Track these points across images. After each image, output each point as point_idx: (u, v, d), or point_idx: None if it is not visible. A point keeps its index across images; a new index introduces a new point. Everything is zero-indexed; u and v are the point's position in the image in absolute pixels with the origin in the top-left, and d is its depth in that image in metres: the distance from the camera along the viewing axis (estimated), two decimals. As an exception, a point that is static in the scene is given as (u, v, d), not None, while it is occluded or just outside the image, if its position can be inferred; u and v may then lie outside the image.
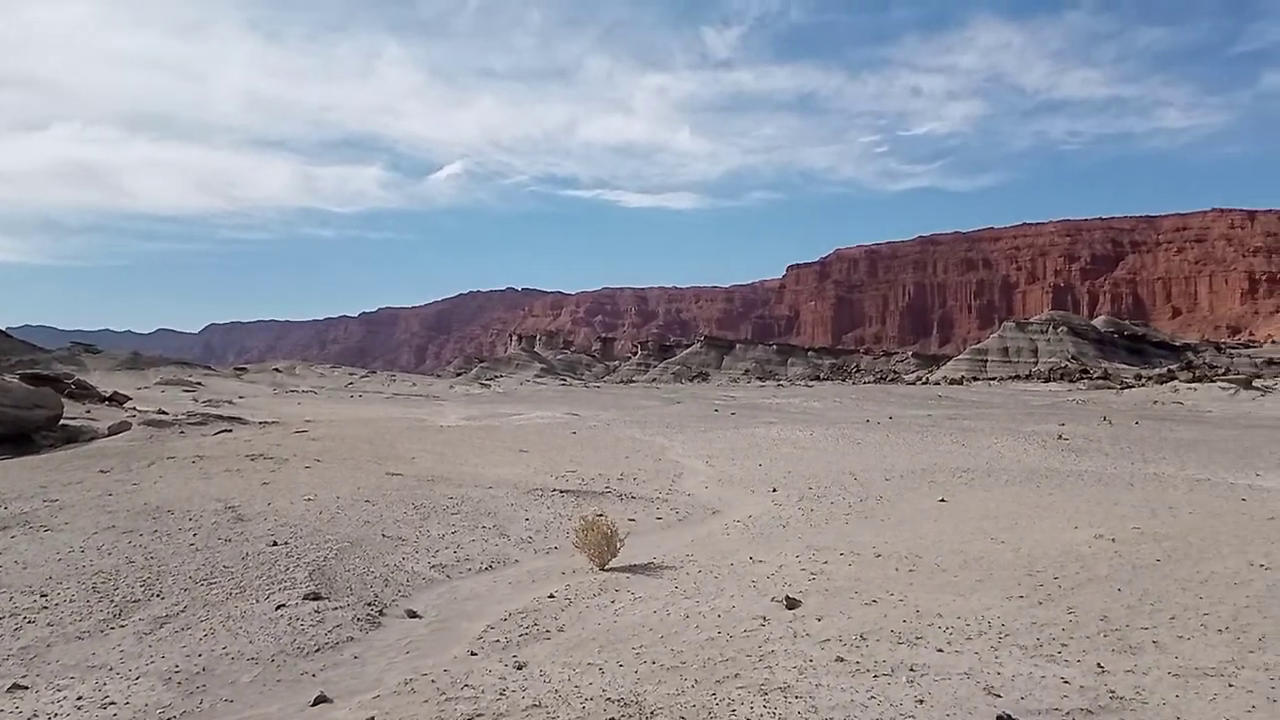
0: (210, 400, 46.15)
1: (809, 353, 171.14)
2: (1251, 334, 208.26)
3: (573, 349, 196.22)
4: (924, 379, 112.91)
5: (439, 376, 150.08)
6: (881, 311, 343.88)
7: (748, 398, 68.41)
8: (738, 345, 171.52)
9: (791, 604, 9.25)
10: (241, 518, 14.10)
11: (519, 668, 7.72)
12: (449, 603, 10.52)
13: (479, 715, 6.73)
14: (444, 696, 7.17)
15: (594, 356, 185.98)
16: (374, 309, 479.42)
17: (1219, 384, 68.49)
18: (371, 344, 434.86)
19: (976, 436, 28.57)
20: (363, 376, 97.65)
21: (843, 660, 7.31)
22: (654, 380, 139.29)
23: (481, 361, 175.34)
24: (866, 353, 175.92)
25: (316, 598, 10.32)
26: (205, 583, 10.77)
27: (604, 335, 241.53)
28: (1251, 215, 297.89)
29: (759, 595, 9.69)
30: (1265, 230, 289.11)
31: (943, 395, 70.63)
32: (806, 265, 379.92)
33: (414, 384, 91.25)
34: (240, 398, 50.80)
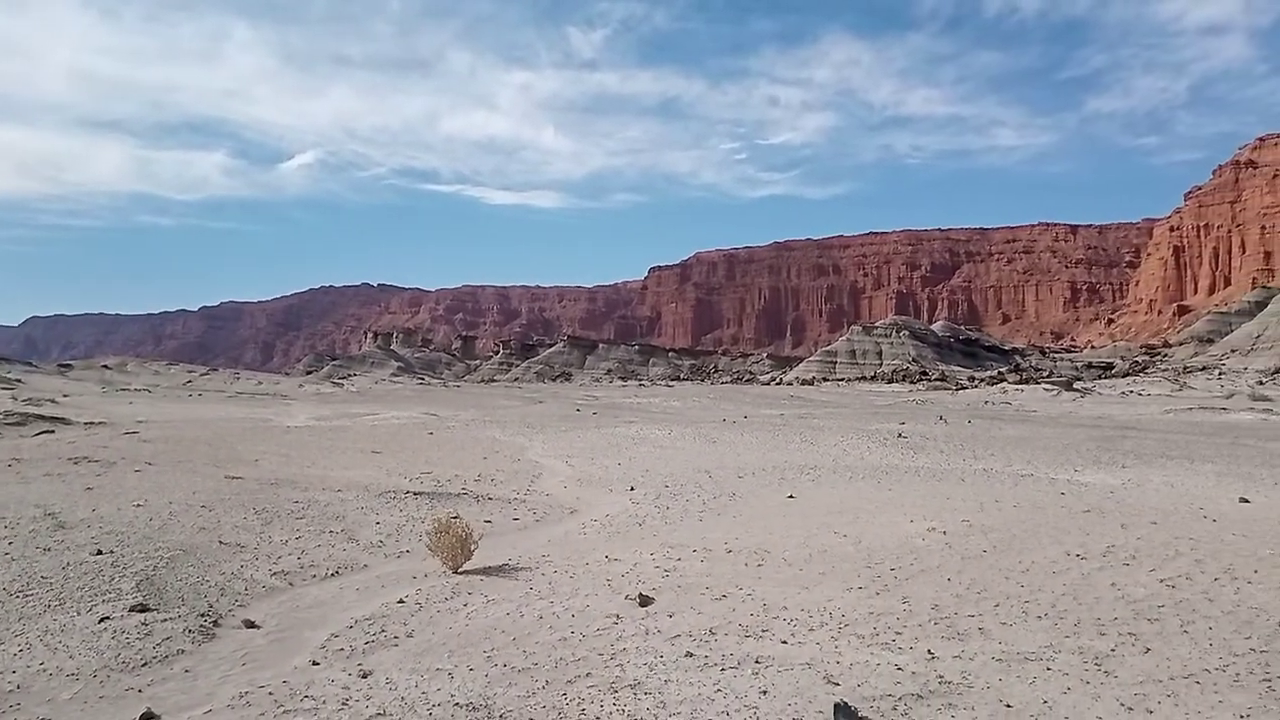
0: (31, 399, 42.53)
1: (670, 353, 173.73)
2: (1073, 340, 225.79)
3: (432, 347, 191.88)
4: (778, 380, 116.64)
5: (287, 375, 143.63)
6: (739, 314, 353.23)
7: (609, 397, 68.81)
8: (600, 345, 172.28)
9: (644, 601, 9.35)
10: (63, 525, 13.04)
11: (364, 676, 7.47)
12: (291, 611, 10.06)
13: (319, 727, 6.46)
14: (281, 709, 6.85)
15: (454, 355, 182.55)
16: (216, 303, 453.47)
17: (1043, 386, 73.89)
18: (213, 340, 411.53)
19: (824, 435, 29.73)
20: (203, 374, 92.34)
21: (692, 655, 7.44)
22: (516, 380, 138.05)
23: (334, 359, 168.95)
24: (725, 354, 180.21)
25: (144, 609, 9.66)
26: (21, 594, 9.90)
27: (465, 334, 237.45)
28: (1074, 229, 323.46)
29: (613, 594, 9.74)
30: (1086, 244, 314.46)
31: (795, 395, 73.21)
32: (668, 267, 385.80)
33: (259, 383, 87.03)
34: (64, 396, 47.07)
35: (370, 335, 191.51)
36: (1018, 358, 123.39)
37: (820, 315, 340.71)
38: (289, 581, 11.20)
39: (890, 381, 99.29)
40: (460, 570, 11.37)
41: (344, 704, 6.83)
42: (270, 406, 49.63)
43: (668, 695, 6.53)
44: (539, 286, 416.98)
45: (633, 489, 17.72)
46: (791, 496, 15.96)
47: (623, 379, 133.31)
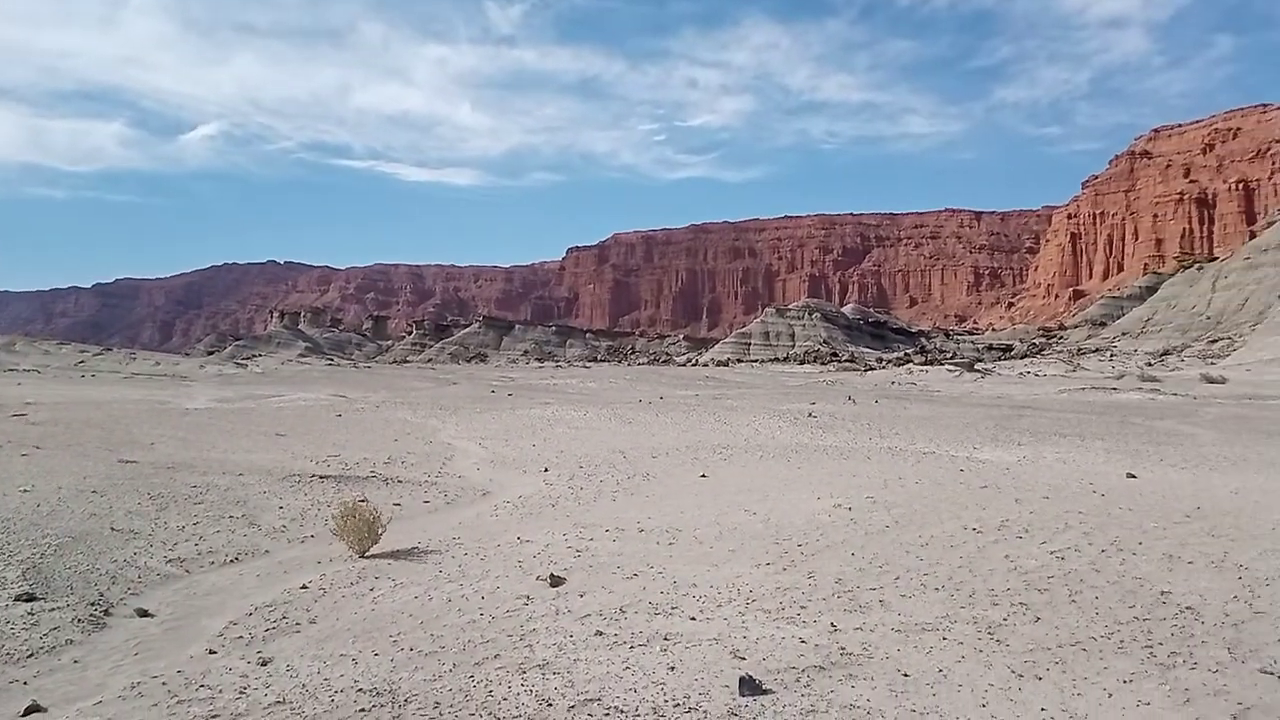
0: (-99, 380, 39.90)
1: (587, 335, 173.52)
2: (975, 322, 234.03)
3: (341, 327, 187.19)
4: (694, 361, 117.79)
5: (187, 355, 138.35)
6: (656, 295, 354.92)
7: (526, 379, 68.38)
8: (517, 326, 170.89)
9: (556, 582, 9.33)
10: (-66, 514, 12.28)
11: (263, 664, 7.26)
12: (187, 599, 9.72)
13: (215, 716, 6.26)
14: (175, 699, 6.61)
15: (365, 336, 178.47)
16: (111, 280, 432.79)
17: (947, 367, 76.39)
18: (108, 319, 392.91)
19: (738, 415, 30.15)
20: (96, 354, 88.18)
21: (602, 634, 7.46)
22: (430, 361, 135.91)
23: (237, 340, 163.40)
24: (642, 335, 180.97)
25: (30, 598, 9.19)
26: (-116, 590, 9.30)
27: (376, 313, 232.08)
28: (978, 216, 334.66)
29: (524, 575, 9.69)
30: (989, 230, 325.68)
31: (710, 376, 74.04)
32: (586, 248, 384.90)
33: (157, 363, 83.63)
34: (-59, 378, 44.30)
35: (276, 315, 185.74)
36: (923, 340, 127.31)
37: (736, 297, 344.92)
38: (185, 569, 10.81)
39: (803, 363, 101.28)
40: (367, 554, 11.15)
41: (241, 692, 6.64)
42: (168, 388, 47.73)
43: (576, 674, 6.53)
44: (454, 266, 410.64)
45: (547, 470, 17.66)
46: (704, 476, 16.14)
47: (539, 360, 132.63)
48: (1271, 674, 6.17)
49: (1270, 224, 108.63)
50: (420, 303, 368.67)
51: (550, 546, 11.01)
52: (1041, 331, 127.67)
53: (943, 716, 5.68)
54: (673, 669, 6.57)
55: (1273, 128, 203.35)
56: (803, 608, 7.95)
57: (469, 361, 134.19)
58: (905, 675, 6.36)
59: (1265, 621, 7.22)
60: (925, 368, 79.35)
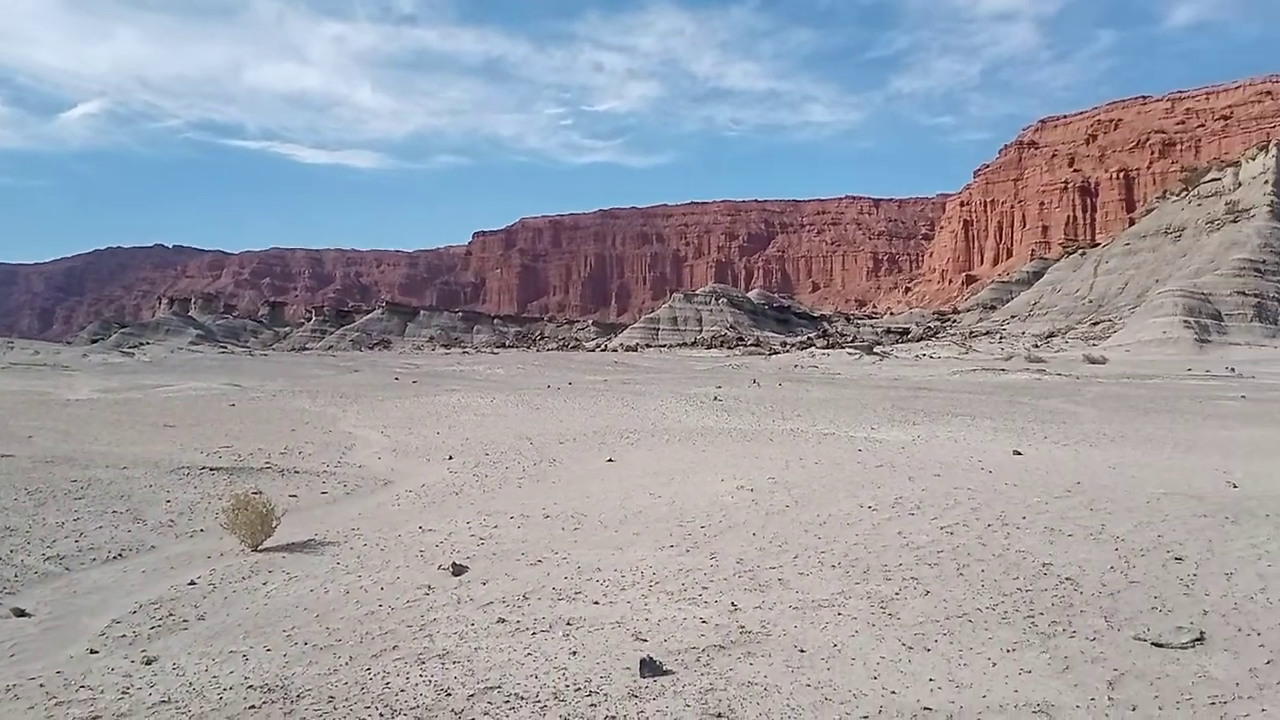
0: None
1: (495, 320, 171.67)
2: (875, 307, 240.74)
3: (235, 314, 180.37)
4: (603, 346, 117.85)
5: (69, 344, 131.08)
6: (565, 281, 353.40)
7: (431, 365, 67.21)
8: (422, 312, 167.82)
9: (458, 570, 9.21)
10: None
11: (148, 663, 6.95)
12: (67, 598, 9.23)
13: (96, 717, 5.97)
14: (54, 700, 6.27)
15: (260, 322, 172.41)
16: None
17: (847, 350, 78.46)
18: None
19: (645, 400, 30.31)
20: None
21: (504, 621, 7.40)
22: (330, 348, 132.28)
23: (123, 327, 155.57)
24: (551, 321, 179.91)
25: (-115, 606, 8.59)
26: None
27: (273, 299, 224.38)
28: (877, 203, 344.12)
29: (425, 564, 9.54)
30: (887, 217, 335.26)
31: (619, 361, 74.22)
32: (493, 233, 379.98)
33: (36, 352, 79.07)
34: None
35: (165, 301, 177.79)
36: (826, 324, 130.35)
37: (644, 283, 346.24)
38: (65, 566, 10.26)
39: (710, 347, 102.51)
40: (260, 548, 10.79)
41: (124, 693, 6.34)
42: (49, 378, 45.17)
43: (477, 663, 6.46)
44: (355, 250, 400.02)
45: (451, 458, 17.41)
46: (611, 460, 16.17)
47: (446, 346, 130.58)
48: (1145, 640, 6.54)
49: (1148, 212, 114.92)
50: (320, 288, 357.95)
51: (453, 535, 10.86)
52: (936, 315, 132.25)
53: (836, 690, 5.83)
54: (575, 653, 6.57)
55: (1151, 119, 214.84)
56: (704, 588, 8.05)
57: (371, 348, 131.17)
58: (802, 651, 6.51)
59: (1139, 591, 7.65)
60: (827, 351, 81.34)
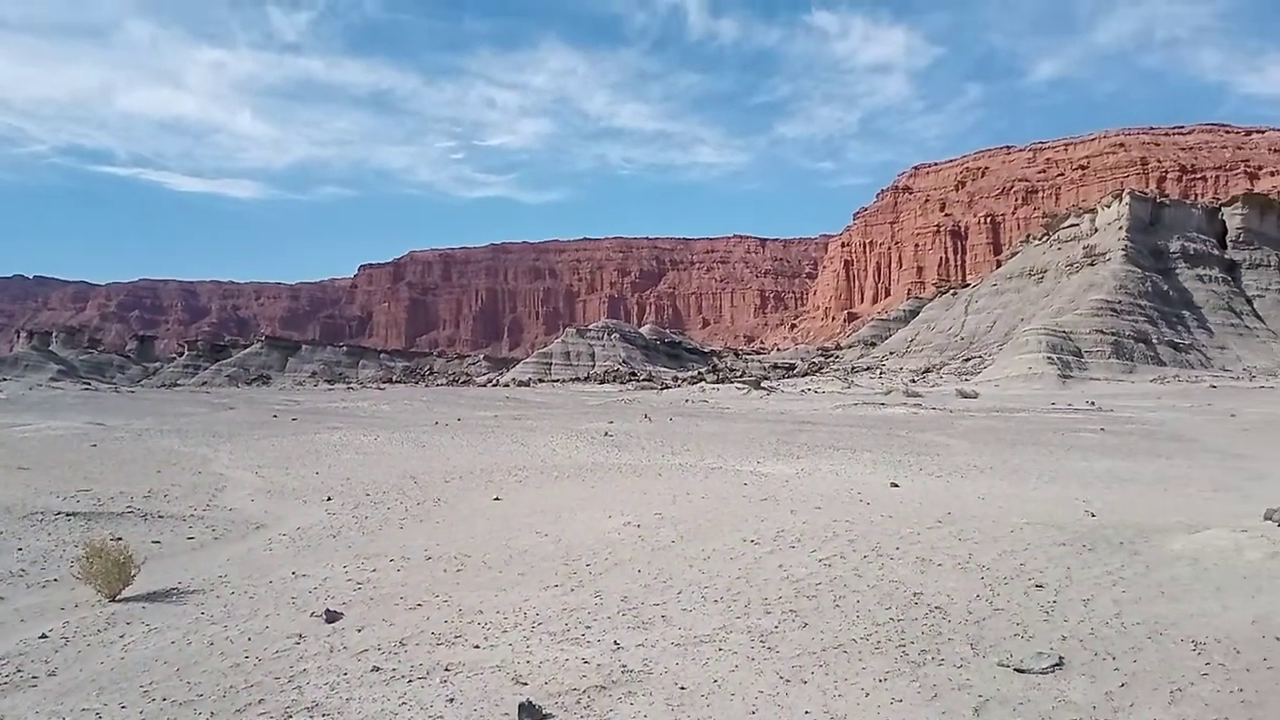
0: None
1: (381, 355, 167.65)
2: (762, 342, 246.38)
3: (101, 349, 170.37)
4: (494, 381, 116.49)
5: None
6: (455, 315, 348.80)
7: (313, 402, 64.92)
8: (304, 346, 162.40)
9: (332, 617, 8.85)
10: None
11: (-19, 731, 6.39)
12: (-110, 662, 8.40)
13: (-86, 799, 5.43)
14: None
15: (128, 357, 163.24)
16: None
17: (736, 385, 79.87)
18: None
19: (536, 436, 30.04)
20: None
21: (379, 669, 7.14)
22: (205, 384, 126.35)
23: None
24: (440, 355, 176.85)
25: None
26: None
27: (142, 333, 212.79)
28: (763, 243, 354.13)
29: (298, 612, 9.14)
30: (773, 256, 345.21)
31: (510, 397, 73.44)
32: (380, 265, 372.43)
33: None
34: None
35: (24, 335, 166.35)
36: (715, 359, 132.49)
37: (537, 317, 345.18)
38: (-111, 627, 9.36)
39: (603, 382, 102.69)
40: (119, 598, 10.11)
41: (-50, 767, 5.80)
42: (-118, 418, 41.48)
43: (348, 714, 6.21)
44: (233, 283, 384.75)
45: (329, 499, 16.79)
46: (498, 499, 15.92)
47: (329, 382, 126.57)
48: (1008, 667, 6.81)
49: (1013, 255, 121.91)
50: (194, 321, 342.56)
51: (329, 580, 10.45)
52: (820, 351, 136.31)
53: (716, 727, 5.85)
54: (452, 700, 6.39)
55: (1014, 168, 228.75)
56: (588, 628, 7.98)
57: (249, 384, 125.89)
58: (682, 688, 6.51)
59: (1003, 618, 7.98)
60: (717, 386, 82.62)
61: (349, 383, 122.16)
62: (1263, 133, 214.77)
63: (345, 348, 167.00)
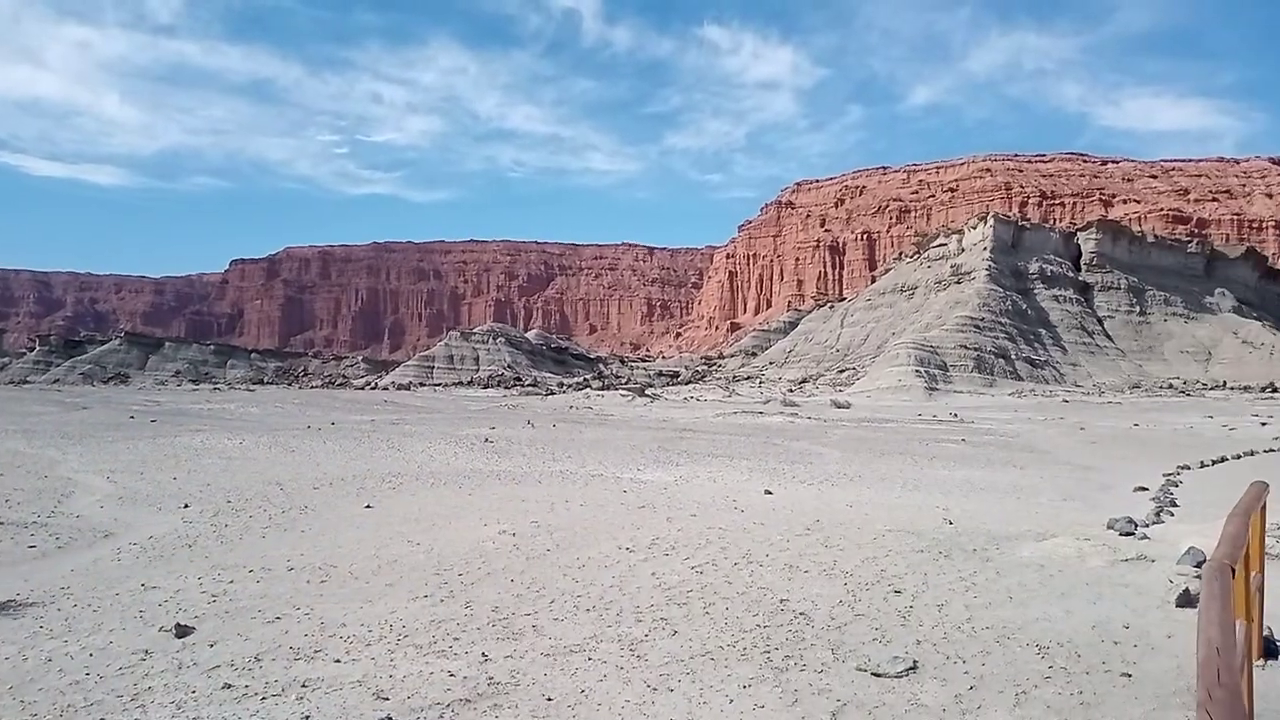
0: None
1: (252, 355, 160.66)
2: (648, 350, 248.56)
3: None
4: (373, 384, 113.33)
5: None
6: (334, 315, 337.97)
7: (176, 403, 61.63)
8: (168, 344, 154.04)
9: (182, 632, 8.39)
10: None
11: None
12: None
13: None
14: None
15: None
16: None
17: (620, 391, 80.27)
18: None
19: (414, 441, 29.38)
20: None
21: (230, 686, 6.81)
22: (57, 382, 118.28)
23: None
24: (316, 356, 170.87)
25: None
26: None
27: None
28: (651, 251, 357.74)
29: (145, 626, 8.62)
30: (660, 264, 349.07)
31: (389, 400, 71.59)
32: (253, 261, 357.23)
33: None
34: None
35: None
36: (602, 366, 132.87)
37: (420, 319, 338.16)
38: None
39: (487, 387, 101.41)
40: (-59, 614, 9.31)
41: None
42: None
43: (194, 736, 5.89)
44: (91, 275, 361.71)
45: (187, 506, 15.95)
46: (369, 506, 15.48)
47: (194, 382, 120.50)
48: (865, 671, 7.04)
49: (886, 271, 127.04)
50: (47, 315, 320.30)
51: (181, 592, 9.91)
52: (704, 360, 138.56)
53: (580, 738, 5.83)
54: (308, 718, 6.15)
55: (890, 187, 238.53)
56: (456, 639, 7.83)
57: (106, 383, 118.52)
58: (549, 699, 6.47)
59: (864, 623, 8.26)
60: (602, 392, 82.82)
61: (216, 383, 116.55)
62: (1117, 163, 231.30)
63: (213, 346, 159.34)
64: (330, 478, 19.40)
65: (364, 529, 13.15)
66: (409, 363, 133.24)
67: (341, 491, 17.35)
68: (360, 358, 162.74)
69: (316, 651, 7.54)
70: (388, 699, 6.45)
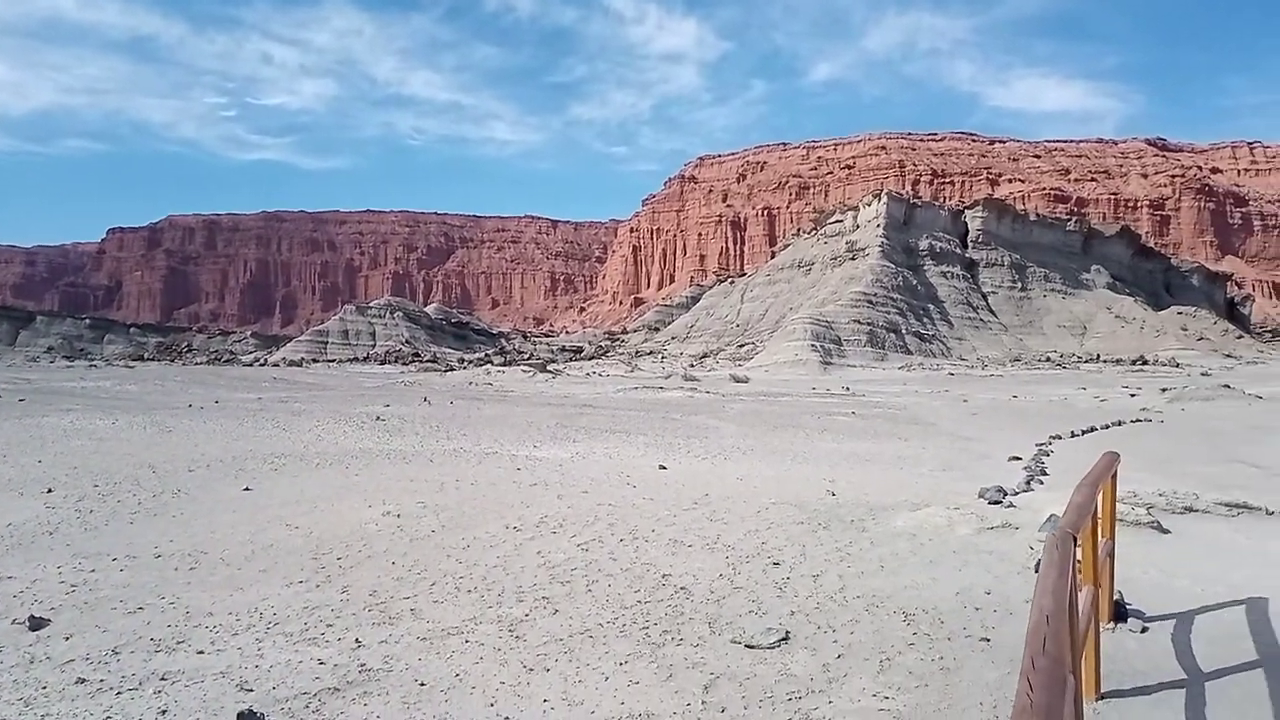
0: None
1: (132, 329, 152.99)
2: (551, 325, 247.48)
3: None
4: (263, 360, 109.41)
5: None
6: (220, 287, 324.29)
7: (47, 381, 58.13)
8: (40, 318, 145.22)
9: (37, 624, 7.93)
10: None
11: None
12: None
13: None
14: None
15: None
16: None
17: (522, 367, 79.67)
18: None
19: (302, 420, 28.49)
20: None
21: (84, 681, 6.48)
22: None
23: None
24: (201, 331, 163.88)
25: None
26: None
27: None
28: (555, 224, 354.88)
29: (-5, 620, 8.11)
30: (564, 238, 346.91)
31: (279, 377, 69.25)
32: (133, 230, 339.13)
33: None
34: None
35: None
36: (504, 341, 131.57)
37: (314, 293, 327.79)
38: None
39: (384, 363, 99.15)
40: None
41: None
42: None
43: (39, 736, 5.58)
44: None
45: (50, 491, 15.07)
46: (248, 489, 14.93)
47: (69, 358, 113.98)
48: (740, 643, 7.18)
49: (785, 247, 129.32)
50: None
51: (39, 582, 9.36)
52: (608, 335, 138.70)
53: (451, 722, 5.76)
54: (165, 712, 5.90)
55: (790, 163, 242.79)
56: (329, 626, 7.63)
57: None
58: (422, 685, 6.37)
59: (741, 596, 8.41)
60: (503, 368, 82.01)
61: (92, 360, 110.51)
62: (1004, 143, 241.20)
63: (89, 320, 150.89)
64: (208, 459, 18.63)
65: (240, 513, 12.68)
66: (301, 338, 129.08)
67: (219, 474, 16.68)
68: (249, 332, 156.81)
69: (179, 642, 7.24)
70: (251, 690, 6.24)
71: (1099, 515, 7.76)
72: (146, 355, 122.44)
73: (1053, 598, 3.87)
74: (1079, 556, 6.67)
